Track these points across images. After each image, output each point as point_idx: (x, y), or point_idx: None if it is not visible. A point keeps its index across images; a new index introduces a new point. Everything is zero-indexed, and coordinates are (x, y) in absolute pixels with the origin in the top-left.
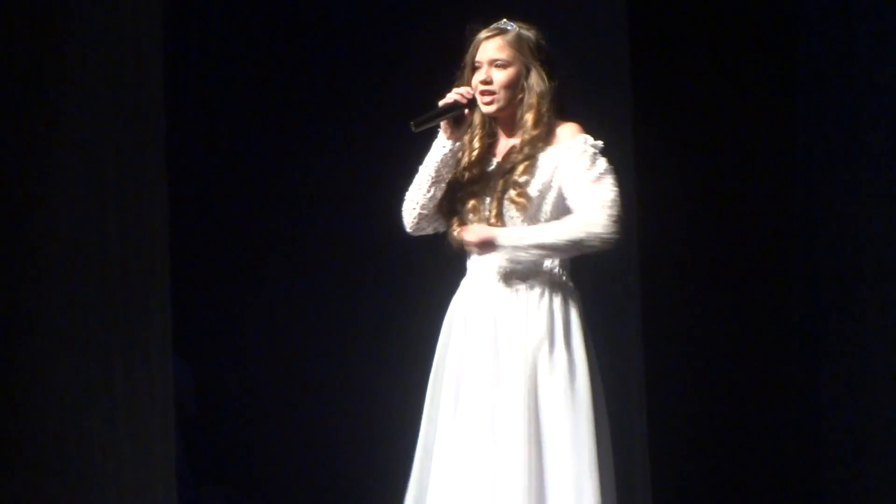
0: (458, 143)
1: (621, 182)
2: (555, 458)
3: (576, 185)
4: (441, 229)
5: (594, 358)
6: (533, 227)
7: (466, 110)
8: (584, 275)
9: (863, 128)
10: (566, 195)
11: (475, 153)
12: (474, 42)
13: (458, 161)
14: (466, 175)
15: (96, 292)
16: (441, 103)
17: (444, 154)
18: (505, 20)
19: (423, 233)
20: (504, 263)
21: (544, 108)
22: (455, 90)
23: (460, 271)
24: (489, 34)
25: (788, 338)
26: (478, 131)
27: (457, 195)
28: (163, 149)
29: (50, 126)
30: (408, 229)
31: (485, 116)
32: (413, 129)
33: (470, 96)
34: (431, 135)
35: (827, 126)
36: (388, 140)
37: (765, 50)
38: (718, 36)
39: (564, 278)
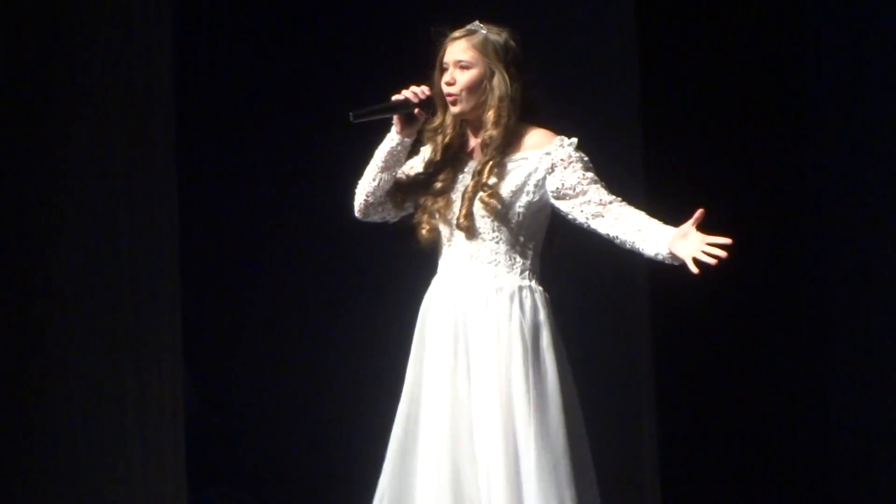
0: (406, 140)
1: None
2: (529, 458)
3: (592, 199)
4: (390, 219)
5: (565, 360)
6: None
7: (417, 109)
8: (592, 276)
9: (873, 131)
10: (566, 206)
11: (441, 152)
12: (443, 43)
13: (430, 161)
14: (435, 174)
15: (107, 297)
16: (392, 98)
17: (391, 147)
18: (476, 22)
19: (370, 219)
20: (476, 264)
21: (504, 110)
22: (411, 88)
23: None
24: (456, 36)
25: (798, 338)
26: (448, 131)
27: (425, 193)
28: (173, 154)
29: (60, 132)
30: (356, 214)
31: (455, 117)
32: (351, 119)
33: (424, 96)
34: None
35: (837, 126)
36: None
37: (774, 50)
38: (727, 37)
39: (534, 282)
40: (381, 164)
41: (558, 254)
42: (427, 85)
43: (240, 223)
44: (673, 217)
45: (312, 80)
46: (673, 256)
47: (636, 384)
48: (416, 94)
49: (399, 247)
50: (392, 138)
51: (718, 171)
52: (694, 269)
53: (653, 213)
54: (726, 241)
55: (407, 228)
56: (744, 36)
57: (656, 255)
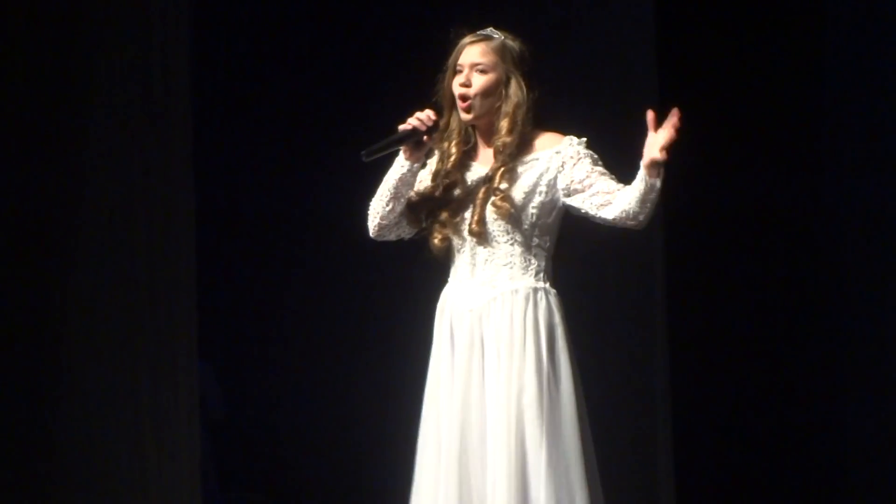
0: (416, 165)
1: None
2: (540, 459)
3: (599, 189)
4: (405, 237)
5: (575, 361)
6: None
7: (426, 137)
8: (608, 276)
9: (889, 130)
10: (577, 200)
11: (452, 159)
12: (458, 46)
13: (439, 169)
14: (445, 181)
15: (123, 299)
16: (400, 128)
17: (403, 173)
18: (491, 28)
19: (385, 239)
20: (490, 267)
21: (519, 118)
22: (416, 115)
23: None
24: (473, 39)
25: (813, 340)
26: (454, 137)
27: (436, 200)
28: (190, 159)
29: (78, 137)
30: (371, 235)
31: (461, 123)
32: (364, 158)
33: (430, 122)
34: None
35: (854, 126)
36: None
37: (791, 52)
38: (745, 34)
39: (547, 284)
40: (391, 192)
41: (568, 260)
42: (433, 109)
43: (257, 227)
44: (689, 215)
45: (330, 82)
46: (649, 169)
47: (650, 387)
48: (421, 121)
49: (418, 254)
50: (402, 165)
51: (734, 176)
52: (660, 156)
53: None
54: (674, 117)
55: (422, 237)
56: (761, 39)
57: (645, 196)
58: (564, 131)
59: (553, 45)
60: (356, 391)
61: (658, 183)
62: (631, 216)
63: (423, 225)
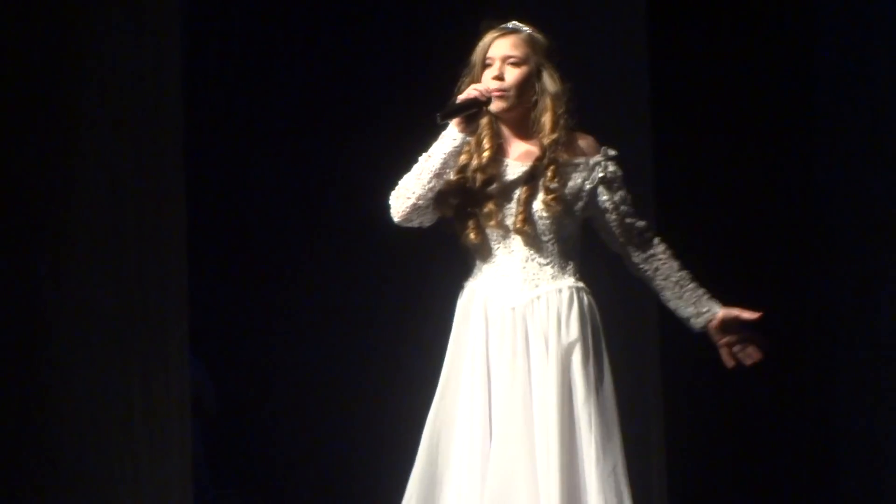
0: (467, 138)
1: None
2: (591, 458)
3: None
4: (426, 224)
5: (611, 362)
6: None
7: (484, 107)
8: (602, 277)
9: (881, 131)
10: (608, 220)
11: (486, 154)
12: (485, 39)
13: (467, 163)
14: (479, 176)
15: (113, 296)
16: (461, 98)
17: (455, 146)
18: (515, 22)
19: (409, 224)
20: (532, 265)
21: (561, 110)
22: (473, 86)
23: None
24: (502, 32)
25: (805, 341)
26: (486, 131)
27: (471, 194)
28: (181, 153)
29: (68, 131)
30: (396, 219)
31: (491, 117)
32: (439, 120)
33: (489, 94)
34: (438, 129)
35: (847, 131)
36: (405, 142)
37: (784, 54)
38: (736, 37)
39: (583, 283)
40: (437, 167)
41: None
42: (475, 81)
43: (248, 226)
44: (682, 218)
45: (323, 82)
46: (706, 331)
47: (643, 390)
48: (481, 93)
49: (421, 247)
50: (454, 137)
51: (728, 176)
52: (729, 363)
53: (662, 215)
54: (765, 343)
55: (429, 230)
56: (753, 41)
57: (688, 319)
58: (585, 130)
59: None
60: (349, 387)
61: (695, 329)
62: (647, 282)
63: (450, 215)
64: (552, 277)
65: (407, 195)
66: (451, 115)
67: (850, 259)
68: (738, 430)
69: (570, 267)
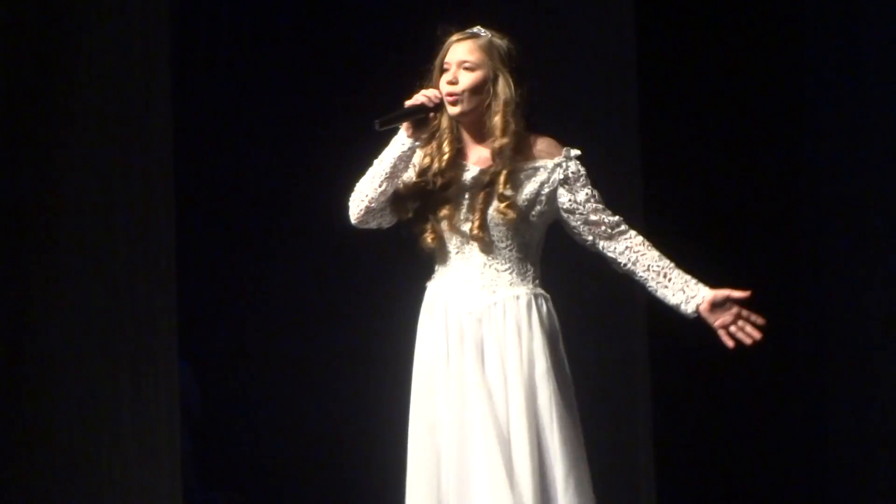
0: (416, 143)
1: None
2: (558, 466)
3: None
4: (385, 225)
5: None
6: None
7: (431, 113)
8: (590, 280)
9: (870, 132)
10: (574, 220)
11: (445, 158)
12: (445, 44)
13: (428, 166)
14: (437, 181)
15: (102, 297)
16: (408, 104)
17: (403, 151)
18: (479, 27)
19: (366, 226)
20: (490, 272)
21: (510, 115)
22: (423, 92)
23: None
24: (461, 37)
25: (797, 343)
26: (446, 135)
27: (427, 201)
28: (170, 154)
29: (57, 131)
30: (353, 221)
31: (452, 121)
32: (377, 127)
33: (437, 100)
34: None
35: (837, 133)
36: (384, 143)
37: (773, 56)
38: (725, 36)
39: (542, 290)
40: (387, 171)
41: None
42: (432, 86)
43: (237, 225)
44: (670, 217)
45: (311, 82)
46: (697, 315)
47: (632, 389)
48: (429, 98)
49: (398, 250)
50: (403, 143)
51: (717, 178)
52: (728, 343)
53: (650, 214)
54: (761, 320)
55: (393, 232)
56: (742, 43)
57: (678, 306)
58: (547, 133)
59: (532, 44)
60: (337, 388)
61: (690, 317)
62: (629, 274)
63: (408, 217)
64: (510, 284)
65: (360, 198)
66: (390, 122)
67: (841, 258)
68: (727, 434)
69: (530, 273)
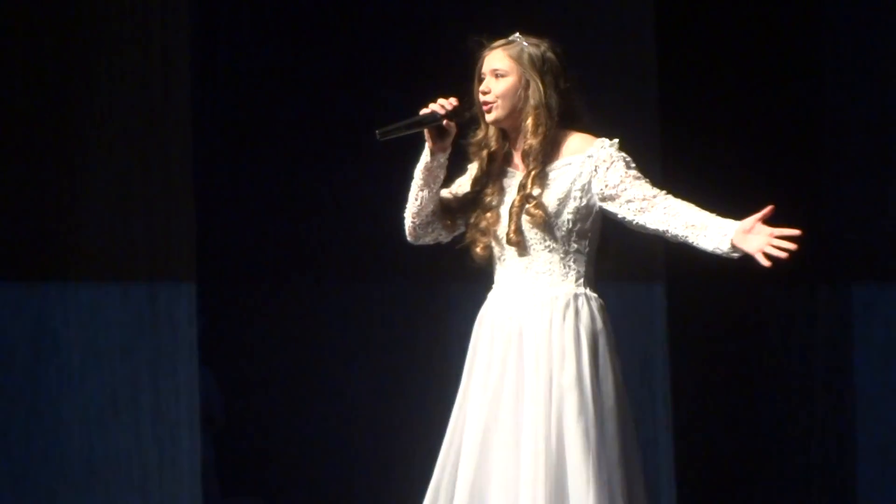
0: (439, 155)
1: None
2: (588, 468)
3: (635, 195)
4: (442, 240)
5: (619, 368)
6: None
7: (446, 121)
8: (610, 282)
9: (891, 130)
10: (613, 206)
11: (486, 167)
12: (481, 54)
13: (476, 176)
14: (482, 189)
15: (123, 303)
16: (420, 113)
17: (426, 163)
18: (517, 34)
19: (422, 242)
20: (530, 275)
21: (542, 118)
22: (438, 101)
23: (487, 282)
24: (493, 46)
25: (816, 339)
26: (491, 144)
27: (475, 207)
28: (190, 158)
29: (78, 137)
30: (408, 238)
31: (498, 129)
32: (378, 137)
33: (451, 107)
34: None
35: (855, 123)
36: (414, 150)
37: (791, 50)
38: (745, 38)
39: (588, 289)
40: (419, 183)
41: (616, 261)
42: (456, 97)
43: (258, 230)
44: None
45: (332, 87)
46: (734, 249)
47: (651, 390)
48: (442, 106)
49: (427, 255)
50: (424, 154)
51: (736, 174)
52: (765, 263)
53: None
54: (795, 232)
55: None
56: (761, 37)
57: (715, 249)
58: (592, 133)
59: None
60: (358, 396)
61: (732, 256)
62: (673, 238)
63: (459, 229)
64: (549, 285)
65: (406, 215)
66: (391, 133)
67: (861, 250)
68: (747, 432)
69: (573, 273)
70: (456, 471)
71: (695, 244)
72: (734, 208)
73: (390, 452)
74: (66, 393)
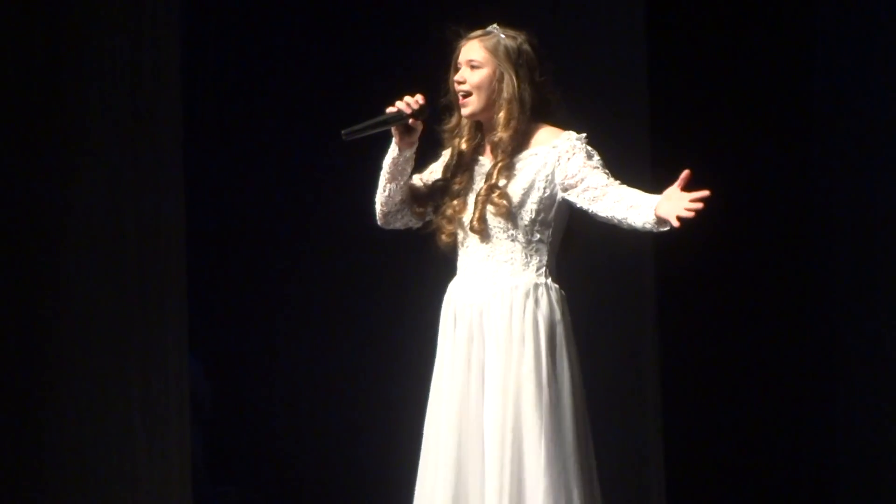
0: (407, 151)
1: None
2: (539, 455)
3: (590, 184)
4: (412, 226)
5: (577, 359)
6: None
7: (412, 119)
8: (600, 277)
9: (880, 132)
10: (571, 195)
11: (457, 155)
12: (459, 45)
13: (447, 165)
14: (452, 177)
15: (113, 296)
16: (386, 111)
17: (393, 158)
18: (494, 25)
19: (393, 227)
20: (492, 263)
21: (515, 111)
22: (405, 99)
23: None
24: (470, 37)
25: (806, 341)
26: (463, 133)
27: (443, 195)
28: (180, 155)
29: (68, 136)
30: (378, 223)
31: (470, 120)
32: (343, 137)
33: (417, 106)
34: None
35: (845, 123)
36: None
37: (781, 49)
38: (735, 37)
39: (550, 280)
40: (387, 176)
41: (579, 255)
42: (423, 94)
43: (247, 223)
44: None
45: (322, 80)
46: (658, 220)
47: (641, 383)
48: (408, 105)
49: (410, 248)
50: (392, 150)
51: (726, 172)
52: (675, 223)
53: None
54: (704, 193)
55: (425, 230)
56: (751, 36)
57: (644, 224)
58: (564, 126)
59: (543, 40)
60: (348, 386)
61: (660, 229)
62: (619, 224)
63: (428, 215)
64: (511, 275)
65: (376, 203)
66: (357, 133)
67: (852, 257)
68: (737, 427)
69: (534, 263)
70: (437, 471)
71: (633, 224)
72: (725, 202)
73: (382, 441)
74: (56, 384)
